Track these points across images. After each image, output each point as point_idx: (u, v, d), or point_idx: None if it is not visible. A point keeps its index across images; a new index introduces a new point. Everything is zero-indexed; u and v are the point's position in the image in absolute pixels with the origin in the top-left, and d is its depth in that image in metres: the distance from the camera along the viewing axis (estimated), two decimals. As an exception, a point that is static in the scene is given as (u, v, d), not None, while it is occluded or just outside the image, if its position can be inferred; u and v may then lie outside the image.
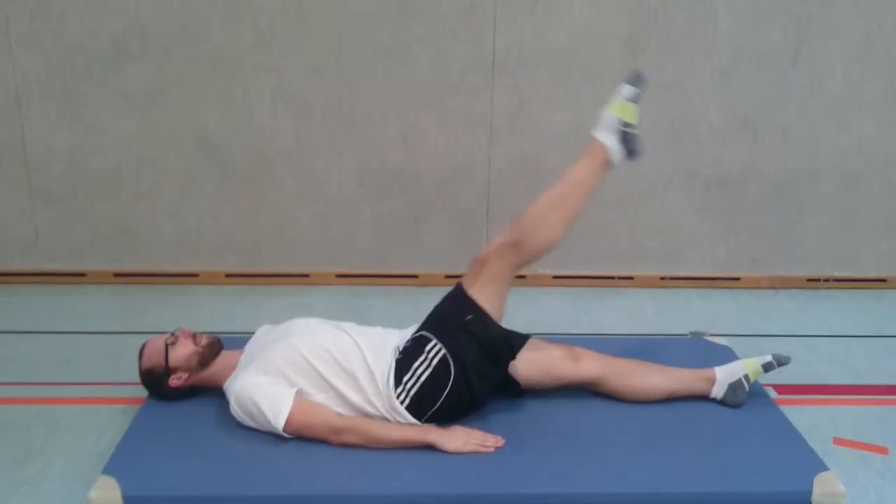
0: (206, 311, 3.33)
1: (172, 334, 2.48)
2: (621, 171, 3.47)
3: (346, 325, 2.50)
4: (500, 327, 2.37)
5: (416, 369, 2.29)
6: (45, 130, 3.37)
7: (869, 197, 3.55)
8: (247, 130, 3.41)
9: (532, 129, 3.43)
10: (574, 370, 2.46)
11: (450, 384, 2.28)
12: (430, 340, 2.32)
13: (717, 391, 2.50)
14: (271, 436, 2.27)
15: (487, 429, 2.34)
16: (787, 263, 3.64)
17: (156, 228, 3.52)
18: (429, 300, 3.42)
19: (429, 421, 2.31)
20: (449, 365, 2.28)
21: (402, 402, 2.28)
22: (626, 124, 2.37)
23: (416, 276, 3.61)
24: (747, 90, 3.40)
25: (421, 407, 2.29)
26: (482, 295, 2.35)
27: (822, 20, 3.32)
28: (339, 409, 2.31)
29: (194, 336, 2.48)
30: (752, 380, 2.50)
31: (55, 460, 2.34)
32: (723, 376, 2.50)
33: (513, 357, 2.39)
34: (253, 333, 2.60)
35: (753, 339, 3.13)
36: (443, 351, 2.29)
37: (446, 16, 3.28)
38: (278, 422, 2.24)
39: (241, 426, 2.32)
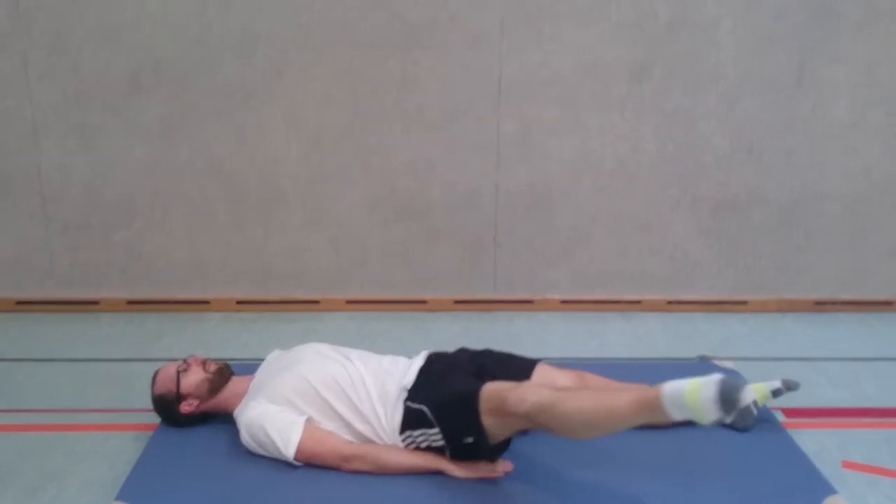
0: (218, 338, 3.36)
1: (184, 361, 2.52)
2: (627, 195, 3.53)
3: (355, 353, 2.52)
4: (491, 450, 2.27)
5: (417, 437, 2.29)
6: (62, 161, 3.44)
7: (875, 220, 3.57)
8: (259, 159, 3.46)
9: (539, 155, 3.47)
10: None
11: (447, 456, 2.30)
12: (432, 426, 2.26)
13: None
14: (282, 462, 2.30)
15: (496, 454, 2.35)
16: (794, 287, 3.64)
17: (169, 256, 3.57)
18: (438, 325, 3.48)
19: None
20: (446, 452, 2.29)
21: (407, 447, 2.32)
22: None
23: (425, 302, 3.64)
24: (752, 115, 3.43)
25: None
26: (493, 430, 2.19)
27: (825, 45, 3.35)
28: (348, 438, 2.33)
29: (204, 363, 2.52)
30: (760, 405, 2.51)
31: (69, 487, 2.36)
32: (731, 401, 2.50)
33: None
34: (264, 359, 2.64)
35: (761, 362, 3.13)
36: (441, 442, 2.27)
37: (454, 46, 3.33)
38: (288, 450, 2.27)
39: (251, 453, 2.35)
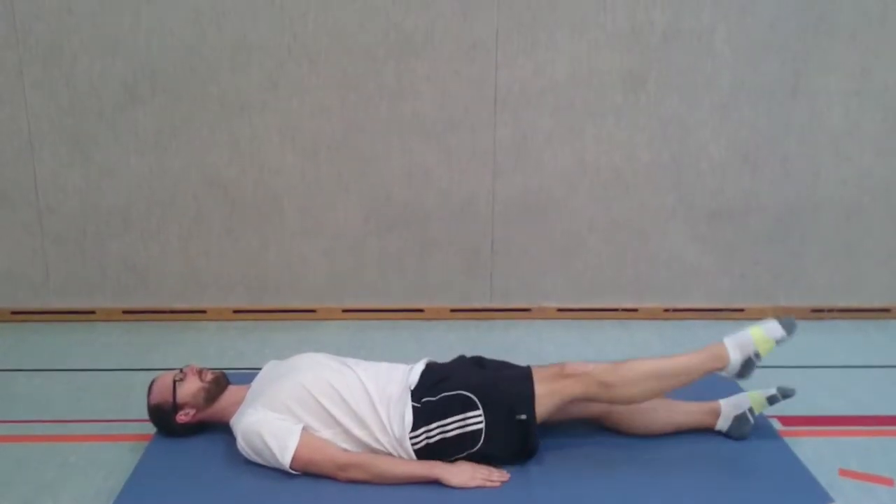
0: (215, 348, 3.36)
1: (181, 371, 2.51)
2: (623, 204, 3.54)
3: (352, 360, 2.53)
4: (537, 435, 2.34)
5: (447, 426, 2.29)
6: (57, 171, 3.44)
7: (871, 227, 3.57)
8: (254, 169, 3.46)
9: (534, 163, 3.47)
10: (578, 405, 2.46)
11: (471, 451, 2.30)
12: (475, 408, 2.29)
13: (722, 424, 2.51)
14: (279, 472, 2.29)
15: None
16: (790, 294, 3.64)
17: (164, 266, 3.57)
18: (434, 334, 3.48)
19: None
20: (480, 438, 2.29)
21: (414, 446, 2.30)
22: (757, 355, 2.38)
23: (421, 311, 3.64)
24: (747, 123, 3.44)
25: (431, 455, 2.31)
26: (543, 403, 2.30)
27: (819, 54, 3.36)
28: (345, 445, 2.33)
29: (200, 372, 2.51)
30: (756, 412, 2.51)
31: (64, 498, 2.35)
32: (727, 409, 2.51)
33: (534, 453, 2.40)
34: (261, 369, 2.63)
35: (758, 370, 3.10)
36: (482, 426, 2.28)
37: (449, 54, 3.34)
38: (285, 457, 2.26)
39: (248, 463, 2.34)
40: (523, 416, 2.28)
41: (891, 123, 3.45)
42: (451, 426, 2.28)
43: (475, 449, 2.29)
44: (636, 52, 3.35)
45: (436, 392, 2.34)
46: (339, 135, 3.43)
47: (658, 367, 2.35)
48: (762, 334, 2.38)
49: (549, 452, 2.43)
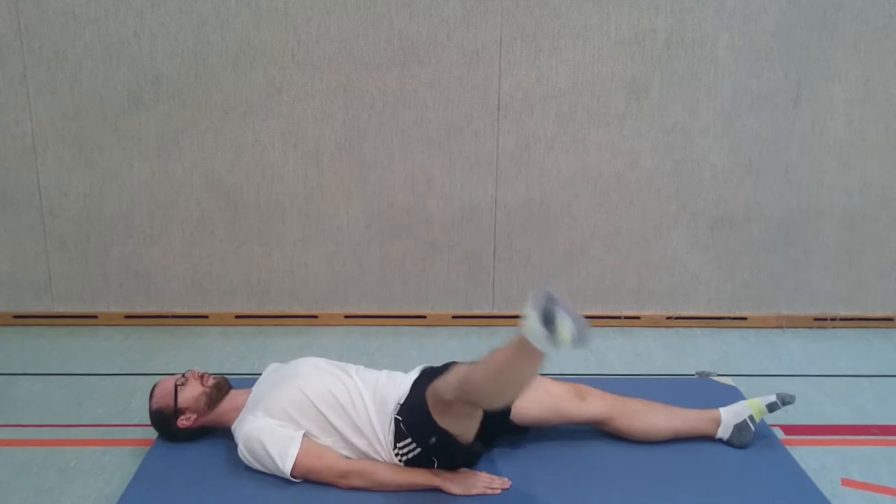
0: (216, 353, 3.36)
1: (183, 376, 2.51)
2: (625, 211, 3.53)
3: (352, 368, 2.52)
4: (465, 445, 2.28)
5: (404, 449, 2.29)
6: (60, 176, 3.44)
7: (874, 236, 3.57)
8: (257, 174, 3.47)
9: (537, 170, 3.47)
10: (579, 408, 2.47)
11: (436, 464, 2.30)
12: (405, 437, 2.26)
13: (723, 432, 2.51)
14: (279, 478, 2.29)
15: (494, 470, 2.35)
16: (793, 302, 3.64)
17: (167, 271, 3.57)
18: (436, 340, 3.48)
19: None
20: (429, 459, 2.28)
21: (400, 459, 2.30)
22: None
23: (423, 317, 3.63)
24: (750, 131, 3.44)
25: (423, 466, 2.31)
26: (445, 421, 2.21)
27: (822, 62, 3.37)
28: (345, 453, 2.33)
29: (202, 377, 2.51)
30: (757, 420, 2.51)
31: (65, 503, 2.35)
32: (728, 417, 2.51)
33: (490, 442, 2.40)
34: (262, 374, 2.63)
35: (760, 378, 3.12)
36: (419, 449, 2.26)
37: (452, 62, 3.34)
38: (286, 465, 2.26)
39: (249, 469, 2.34)
40: (434, 440, 2.22)
41: (893, 132, 3.45)
42: (406, 450, 2.28)
43: (437, 463, 2.28)
44: (639, 59, 3.35)
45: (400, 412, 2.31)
46: (341, 141, 3.43)
47: (491, 372, 2.13)
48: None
49: (551, 460, 2.43)
